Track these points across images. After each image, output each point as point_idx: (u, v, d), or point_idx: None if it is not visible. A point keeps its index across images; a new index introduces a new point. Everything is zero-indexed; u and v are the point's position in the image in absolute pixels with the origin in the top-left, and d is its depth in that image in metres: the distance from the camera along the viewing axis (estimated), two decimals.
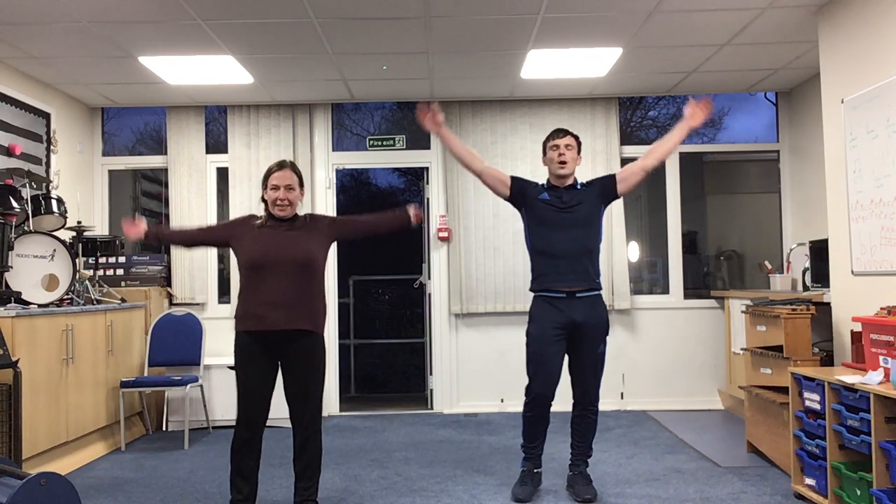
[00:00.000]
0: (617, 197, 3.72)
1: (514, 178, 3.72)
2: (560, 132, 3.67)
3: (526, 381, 3.62)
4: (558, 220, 3.58)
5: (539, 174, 4.00)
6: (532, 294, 3.68)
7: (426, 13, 4.18)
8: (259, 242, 3.19)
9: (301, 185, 3.32)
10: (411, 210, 3.42)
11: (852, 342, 3.60)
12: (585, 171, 5.90)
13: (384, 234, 3.44)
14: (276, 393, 3.23)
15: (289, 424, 3.28)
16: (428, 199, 6.17)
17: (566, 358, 3.62)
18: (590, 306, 3.59)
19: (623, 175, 3.71)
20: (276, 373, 3.24)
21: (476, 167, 3.74)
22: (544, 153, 3.72)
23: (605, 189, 3.69)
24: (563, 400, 3.72)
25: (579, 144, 3.69)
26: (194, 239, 3.49)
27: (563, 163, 3.60)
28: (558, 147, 3.61)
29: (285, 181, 3.23)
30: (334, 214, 6.05)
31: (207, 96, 5.79)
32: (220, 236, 3.42)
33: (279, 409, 3.33)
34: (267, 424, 3.27)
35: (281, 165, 3.29)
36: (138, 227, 3.31)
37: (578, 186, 3.67)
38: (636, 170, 3.70)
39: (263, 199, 3.32)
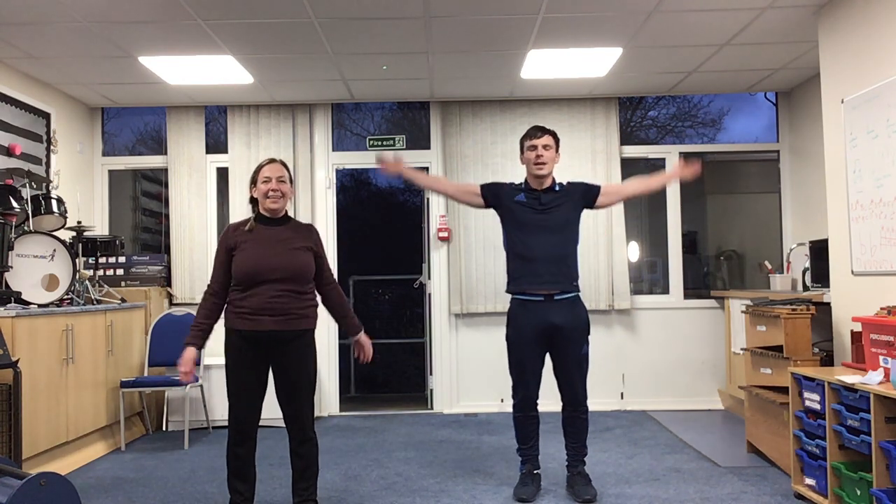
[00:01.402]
0: (591, 208, 3.66)
1: (483, 186, 3.68)
2: (538, 131, 3.58)
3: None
4: (536, 222, 3.53)
5: None
6: (509, 295, 3.63)
7: (426, 13, 4.18)
8: (252, 252, 3.14)
9: (291, 181, 3.32)
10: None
11: (852, 342, 3.60)
12: (585, 171, 5.92)
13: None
14: (272, 394, 3.21)
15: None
16: (428, 199, 6.17)
17: (551, 361, 3.60)
18: (568, 308, 3.53)
19: (607, 190, 3.68)
20: (267, 373, 3.22)
21: (448, 191, 3.79)
22: (522, 152, 3.64)
23: (586, 196, 3.63)
24: (556, 400, 3.72)
25: (557, 143, 3.61)
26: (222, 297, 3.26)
27: (541, 163, 3.53)
28: (536, 147, 3.54)
29: (276, 173, 3.22)
30: (334, 215, 6.07)
31: (207, 96, 5.79)
32: (228, 267, 3.22)
33: (277, 409, 3.33)
34: (266, 425, 3.27)
35: (271, 160, 3.29)
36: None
37: (557, 188, 3.61)
38: (618, 192, 3.75)
39: (252, 200, 3.31)
